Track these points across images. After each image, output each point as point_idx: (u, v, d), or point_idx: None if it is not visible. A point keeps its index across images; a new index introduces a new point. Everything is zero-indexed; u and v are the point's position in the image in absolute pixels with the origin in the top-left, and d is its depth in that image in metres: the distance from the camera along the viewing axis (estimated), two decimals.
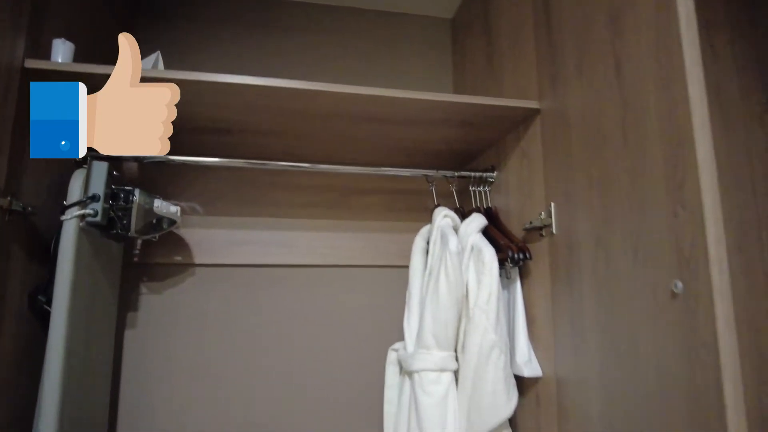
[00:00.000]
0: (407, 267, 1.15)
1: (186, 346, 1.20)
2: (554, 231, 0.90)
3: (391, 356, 1.13)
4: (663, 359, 0.59)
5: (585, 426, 0.80)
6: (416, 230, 1.17)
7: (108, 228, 0.96)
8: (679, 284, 0.55)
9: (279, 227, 1.29)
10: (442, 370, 0.96)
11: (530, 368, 0.93)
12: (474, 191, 1.16)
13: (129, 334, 1.18)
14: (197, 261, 1.24)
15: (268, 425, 1.20)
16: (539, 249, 0.96)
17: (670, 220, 0.56)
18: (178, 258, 1.23)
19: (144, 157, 1.02)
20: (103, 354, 1.05)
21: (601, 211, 0.75)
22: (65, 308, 0.81)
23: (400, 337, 1.12)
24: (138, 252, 1.20)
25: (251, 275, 1.26)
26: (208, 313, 1.22)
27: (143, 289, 1.22)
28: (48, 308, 0.85)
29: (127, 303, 1.19)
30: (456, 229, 1.03)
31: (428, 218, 1.14)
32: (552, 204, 0.90)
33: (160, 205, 1.00)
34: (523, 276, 1.01)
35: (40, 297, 0.86)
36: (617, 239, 0.70)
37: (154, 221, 1.04)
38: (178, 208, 1.05)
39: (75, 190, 0.87)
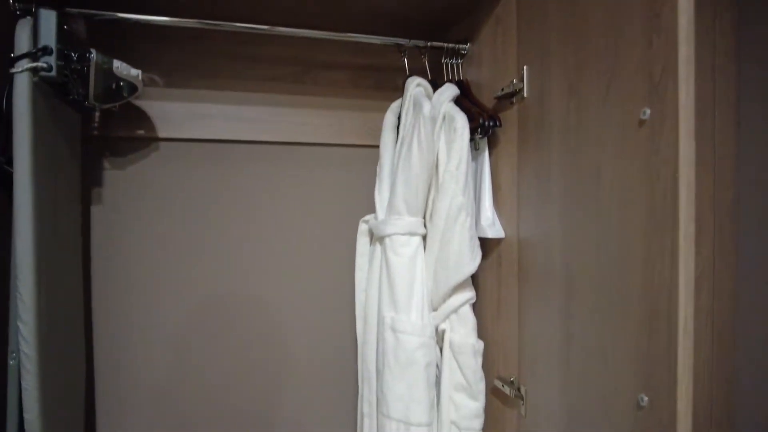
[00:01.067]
0: (375, 147, 1.16)
1: (155, 223, 1.20)
2: (525, 95, 0.91)
3: (362, 227, 1.17)
4: (626, 187, 0.64)
5: (545, 281, 0.87)
6: (384, 109, 1.17)
7: (64, 93, 0.90)
8: (648, 111, 0.58)
9: (242, 101, 1.25)
10: (412, 234, 1.01)
11: (494, 230, 0.99)
12: (446, 63, 1.15)
13: (95, 210, 1.17)
14: (160, 135, 1.20)
15: (243, 298, 1.25)
16: (508, 117, 0.98)
17: (644, 51, 0.58)
18: (140, 131, 1.19)
19: (94, 14, 0.94)
20: (72, 226, 1.04)
21: (575, 60, 0.76)
22: (28, 164, 0.78)
23: (369, 212, 1.16)
24: (97, 125, 1.15)
25: (216, 151, 1.24)
26: (175, 189, 1.21)
27: (106, 164, 1.18)
28: (8, 168, 0.82)
29: (90, 178, 1.15)
30: (429, 98, 1.03)
31: (397, 97, 1.14)
32: (525, 68, 0.90)
33: (119, 66, 0.94)
34: (491, 146, 1.03)
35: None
36: (590, 82, 0.72)
37: (114, 86, 0.99)
38: (139, 72, 0.99)
39: (22, 41, 0.81)
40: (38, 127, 0.82)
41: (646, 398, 0.58)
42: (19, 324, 0.79)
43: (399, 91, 1.19)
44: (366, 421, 1.09)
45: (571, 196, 0.78)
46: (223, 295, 1.23)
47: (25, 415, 0.78)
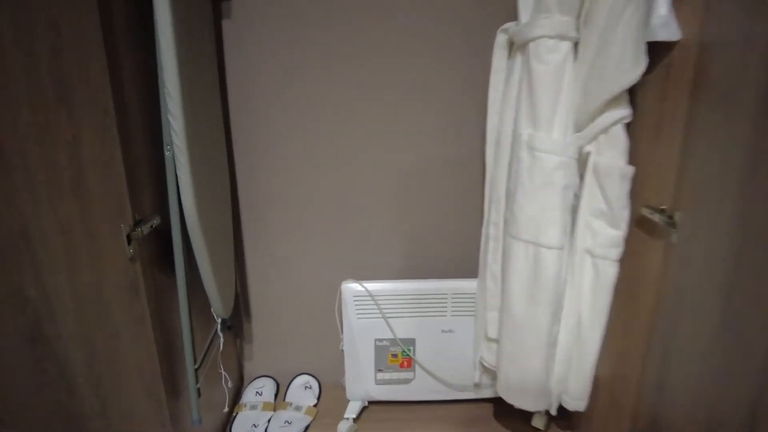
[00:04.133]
0: None
1: (285, 32, 1.17)
2: None
3: (500, 38, 1.04)
4: None
5: (734, 92, 0.71)
6: None
7: None
8: None
9: None
10: (562, 37, 0.87)
11: (667, 31, 0.81)
12: None
13: (225, 24, 1.16)
14: None
15: (371, 112, 1.22)
16: None
17: None
18: None
19: None
20: (206, 34, 1.05)
21: None
22: None
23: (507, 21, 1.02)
24: None
25: None
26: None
27: None
28: None
29: None
30: None
31: None
32: None
33: None
34: None
35: None
36: None
37: None
38: None
39: None
40: None
41: None
42: (170, 118, 0.84)
43: None
44: (491, 243, 1.08)
45: None
46: (352, 107, 1.20)
47: (183, 202, 0.86)
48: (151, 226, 0.84)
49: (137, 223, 0.81)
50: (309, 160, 1.23)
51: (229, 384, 1.17)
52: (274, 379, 1.42)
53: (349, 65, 1.17)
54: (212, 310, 1.05)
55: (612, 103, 0.88)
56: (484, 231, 1.14)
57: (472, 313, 1.20)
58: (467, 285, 1.19)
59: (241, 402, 1.33)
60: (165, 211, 0.89)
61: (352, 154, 1.23)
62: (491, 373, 1.22)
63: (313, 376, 1.42)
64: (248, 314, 1.37)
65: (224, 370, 1.16)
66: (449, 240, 1.30)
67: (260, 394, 1.36)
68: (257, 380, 1.40)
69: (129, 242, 0.77)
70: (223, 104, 1.16)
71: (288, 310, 1.36)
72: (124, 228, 0.75)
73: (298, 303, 1.35)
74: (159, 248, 0.90)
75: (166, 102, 0.84)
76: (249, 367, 1.43)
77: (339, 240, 1.29)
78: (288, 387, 1.39)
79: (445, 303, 1.19)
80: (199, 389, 0.99)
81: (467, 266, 1.31)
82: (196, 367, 0.97)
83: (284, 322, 1.37)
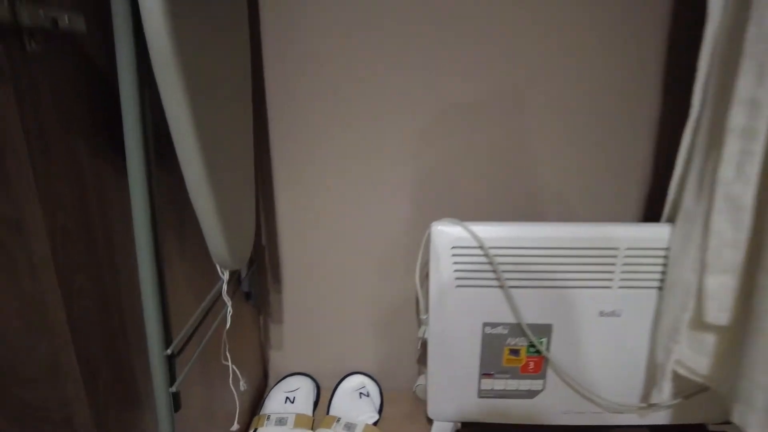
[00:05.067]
0: None
1: None
2: None
3: None
4: None
5: None
6: None
7: None
8: None
9: None
10: None
11: None
12: None
13: None
14: None
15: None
16: None
17: None
18: None
19: None
20: None
21: None
22: None
23: None
24: None
25: None
26: None
27: None
28: None
29: None
30: None
31: None
32: None
33: None
34: None
35: None
36: None
37: None
38: None
39: None
40: None
41: None
42: None
43: None
44: (734, 143, 0.57)
45: None
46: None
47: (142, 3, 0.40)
48: (56, 24, 0.37)
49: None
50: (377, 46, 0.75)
51: (242, 385, 0.71)
52: (314, 380, 0.96)
53: None
54: (211, 254, 0.58)
55: None
56: (687, 135, 0.64)
57: (655, 284, 0.70)
58: (654, 234, 0.68)
59: (262, 412, 0.87)
60: (105, 13, 0.43)
61: (441, 43, 0.74)
62: (683, 385, 0.71)
63: (371, 378, 0.95)
64: (277, 279, 0.91)
65: (233, 362, 0.70)
66: (606, 159, 0.79)
67: (292, 402, 0.90)
68: (288, 379, 0.95)
69: None
70: None
71: (337, 274, 0.89)
72: None
73: (353, 263, 0.88)
74: (79, 88, 0.43)
75: None
76: (277, 360, 0.97)
77: (420, 163, 0.81)
78: (334, 392, 0.92)
79: (613, 266, 0.69)
80: (176, 395, 0.52)
81: (634, 203, 0.81)
82: (168, 352, 0.50)
83: (331, 293, 0.91)
